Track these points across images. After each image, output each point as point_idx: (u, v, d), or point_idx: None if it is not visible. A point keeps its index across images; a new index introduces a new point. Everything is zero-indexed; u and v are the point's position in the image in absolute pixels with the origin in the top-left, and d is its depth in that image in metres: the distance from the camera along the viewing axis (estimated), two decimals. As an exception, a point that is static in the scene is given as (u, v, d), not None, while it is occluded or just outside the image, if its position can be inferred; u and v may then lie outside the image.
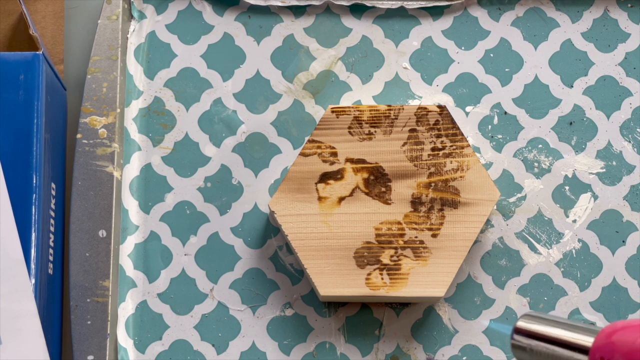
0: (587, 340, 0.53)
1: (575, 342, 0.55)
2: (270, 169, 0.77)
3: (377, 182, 0.73)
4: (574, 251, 0.76)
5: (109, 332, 0.73)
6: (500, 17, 0.79)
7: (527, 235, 0.76)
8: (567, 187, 0.77)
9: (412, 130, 0.73)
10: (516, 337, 0.60)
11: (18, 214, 0.70)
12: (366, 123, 0.73)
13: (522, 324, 0.59)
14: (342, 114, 0.73)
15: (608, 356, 0.51)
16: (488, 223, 0.76)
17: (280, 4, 0.79)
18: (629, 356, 0.50)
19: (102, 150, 0.75)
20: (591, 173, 0.77)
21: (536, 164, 0.77)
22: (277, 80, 0.78)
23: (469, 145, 0.73)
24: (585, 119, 0.78)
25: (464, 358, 0.75)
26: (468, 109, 0.78)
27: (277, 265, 0.76)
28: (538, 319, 0.59)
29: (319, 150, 0.73)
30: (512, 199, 0.77)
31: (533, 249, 0.76)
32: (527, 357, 0.59)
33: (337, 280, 0.72)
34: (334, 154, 0.73)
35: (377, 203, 0.73)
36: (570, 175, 0.77)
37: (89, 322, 0.73)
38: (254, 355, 0.75)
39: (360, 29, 0.79)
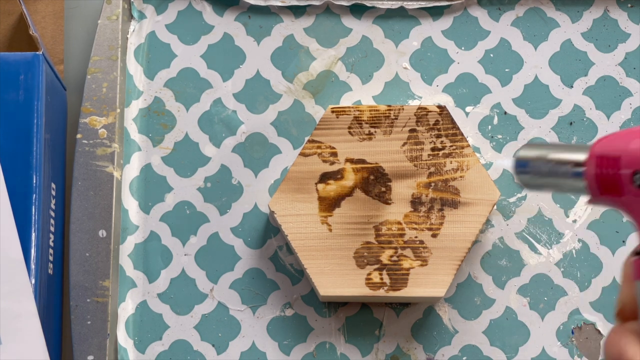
0: (582, 151, 0.54)
1: (572, 156, 0.56)
2: (270, 169, 0.77)
3: (377, 182, 0.73)
4: (574, 251, 0.76)
5: (109, 332, 0.73)
6: (500, 17, 0.79)
7: (527, 235, 0.76)
8: (567, 187, 0.77)
9: (412, 130, 0.73)
10: (518, 163, 0.59)
11: (18, 214, 0.70)
12: (366, 123, 0.73)
13: (522, 152, 0.59)
14: (342, 114, 0.73)
15: (603, 154, 0.52)
16: (488, 223, 0.76)
17: (280, 4, 0.79)
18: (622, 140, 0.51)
19: (102, 150, 0.75)
20: (591, 173, 0.77)
21: (536, 164, 0.77)
22: (277, 80, 0.78)
23: (469, 145, 0.73)
24: (585, 119, 0.78)
25: (464, 358, 0.75)
26: (468, 109, 0.78)
27: (277, 265, 0.76)
28: (537, 146, 0.60)
29: (319, 150, 0.73)
30: (512, 199, 0.77)
31: (533, 249, 0.76)
32: (529, 181, 0.59)
33: (337, 280, 0.72)
34: (334, 154, 0.73)
35: (377, 203, 0.73)
36: (570, 175, 0.77)
37: (89, 322, 0.73)
38: (254, 355, 0.75)
39: (360, 29, 0.79)
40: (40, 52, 0.72)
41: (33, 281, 0.69)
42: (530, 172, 0.59)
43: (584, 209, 0.77)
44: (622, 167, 0.51)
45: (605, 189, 0.52)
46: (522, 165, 0.59)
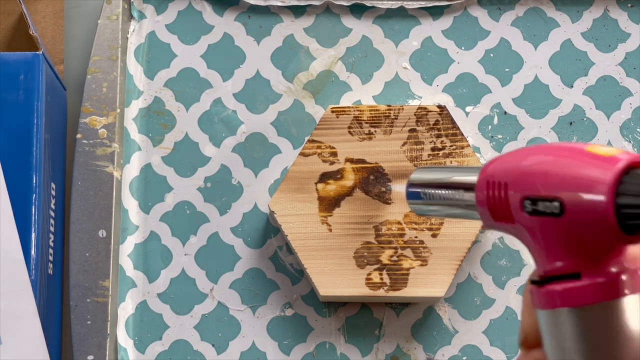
0: (475, 175, 0.51)
1: (464, 179, 0.53)
2: (270, 169, 0.77)
3: (377, 182, 0.73)
4: (574, 251, 0.76)
5: (109, 332, 0.73)
6: (500, 17, 0.79)
7: (527, 235, 0.76)
8: (567, 187, 0.77)
9: (412, 130, 0.73)
10: (410, 189, 0.58)
11: (18, 214, 0.70)
12: (366, 123, 0.73)
13: (414, 176, 0.58)
14: (342, 114, 0.73)
15: (491, 179, 0.49)
16: (488, 223, 0.76)
17: (280, 4, 0.79)
18: (509, 165, 0.48)
19: (102, 150, 0.75)
20: (591, 173, 0.77)
21: (536, 164, 0.77)
22: (277, 80, 0.78)
23: (469, 145, 0.73)
24: (585, 119, 0.78)
25: (464, 358, 0.75)
26: (468, 109, 0.78)
27: (277, 265, 0.76)
28: (430, 169, 0.58)
29: (319, 150, 0.73)
30: (512, 199, 0.77)
31: (533, 249, 0.76)
32: (423, 207, 0.58)
33: (337, 280, 0.72)
34: (334, 154, 0.73)
35: (377, 203, 0.73)
36: (570, 175, 0.77)
37: (89, 322, 0.73)
38: (254, 355, 0.75)
39: (360, 29, 0.79)
40: (40, 52, 0.72)
41: (33, 281, 0.69)
42: (424, 198, 0.57)
43: (584, 209, 0.77)
44: (510, 193, 0.47)
45: (497, 216, 0.48)
46: (414, 192, 0.58)
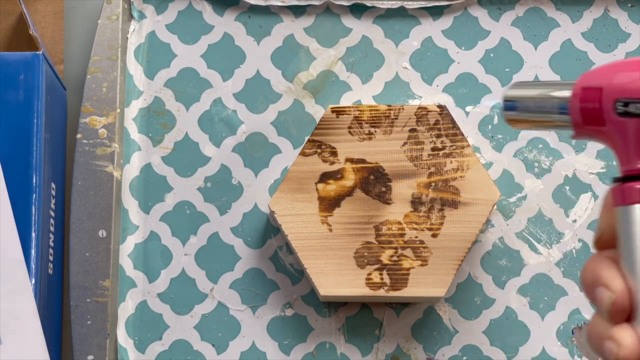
0: (567, 87, 0.55)
1: (558, 92, 0.57)
2: (270, 169, 0.77)
3: (377, 182, 0.73)
4: (574, 251, 0.76)
5: (109, 332, 0.73)
6: (501, 17, 0.79)
7: (527, 235, 0.76)
8: (567, 187, 0.77)
9: (412, 130, 0.73)
10: (507, 102, 0.61)
11: (18, 214, 0.70)
12: (366, 123, 0.73)
13: (510, 92, 0.61)
14: (342, 114, 0.73)
15: (587, 84, 0.53)
16: (488, 223, 0.76)
17: (280, 4, 0.79)
18: (608, 72, 0.53)
19: (102, 150, 0.75)
20: (591, 173, 0.77)
21: (536, 164, 0.77)
22: (277, 80, 0.78)
23: (469, 145, 0.73)
24: (585, 119, 0.78)
25: (464, 358, 0.75)
26: (468, 109, 0.78)
27: (277, 265, 0.76)
28: (524, 84, 0.61)
29: (319, 150, 0.73)
30: (512, 199, 0.77)
31: (533, 248, 0.76)
32: (518, 117, 0.60)
33: (337, 280, 0.72)
34: (334, 154, 0.73)
35: (377, 203, 0.73)
36: (570, 175, 0.77)
37: (89, 322, 0.73)
38: (254, 355, 0.75)
39: (360, 29, 0.79)
40: (40, 52, 0.72)
41: (33, 281, 0.69)
42: (518, 110, 0.61)
43: (584, 209, 0.77)
44: (604, 96, 0.52)
45: (588, 120, 0.53)
46: (510, 105, 0.61)
